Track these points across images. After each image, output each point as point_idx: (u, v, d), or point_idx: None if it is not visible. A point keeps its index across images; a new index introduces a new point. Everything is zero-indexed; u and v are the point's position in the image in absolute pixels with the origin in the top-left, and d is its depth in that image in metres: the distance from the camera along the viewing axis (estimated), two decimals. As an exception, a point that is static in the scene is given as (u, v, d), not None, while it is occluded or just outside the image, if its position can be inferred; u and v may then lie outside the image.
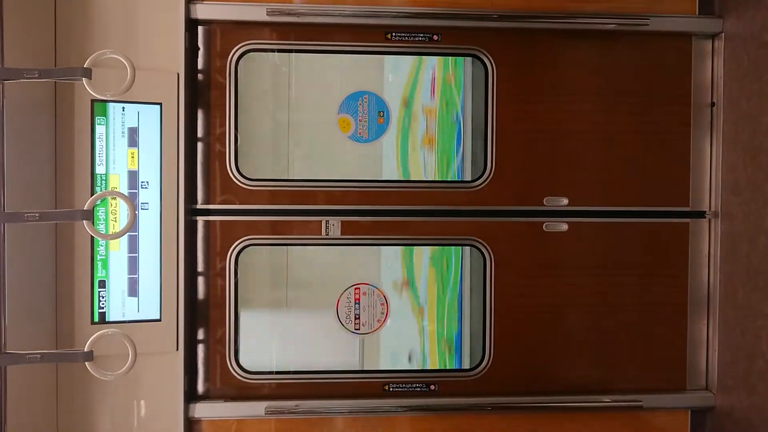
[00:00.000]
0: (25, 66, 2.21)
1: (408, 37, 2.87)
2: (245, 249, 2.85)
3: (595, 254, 2.95)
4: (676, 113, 2.95)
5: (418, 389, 2.90)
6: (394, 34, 2.86)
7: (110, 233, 2.51)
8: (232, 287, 2.83)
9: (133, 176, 2.63)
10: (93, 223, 2.21)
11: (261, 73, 2.97)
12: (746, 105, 2.70)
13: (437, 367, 3.11)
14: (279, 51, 2.90)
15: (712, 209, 2.93)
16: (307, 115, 3.07)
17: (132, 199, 2.59)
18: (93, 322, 2.60)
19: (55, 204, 2.59)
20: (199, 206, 2.83)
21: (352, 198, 2.89)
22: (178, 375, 2.70)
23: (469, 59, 3.02)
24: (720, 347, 2.88)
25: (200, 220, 2.83)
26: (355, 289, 2.97)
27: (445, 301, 3.12)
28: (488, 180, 2.90)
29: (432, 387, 2.91)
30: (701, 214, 2.95)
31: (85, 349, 2.19)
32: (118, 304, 2.63)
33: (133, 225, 2.27)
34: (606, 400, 2.87)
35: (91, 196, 2.51)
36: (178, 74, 2.66)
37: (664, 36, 2.92)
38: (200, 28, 2.80)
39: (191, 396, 2.81)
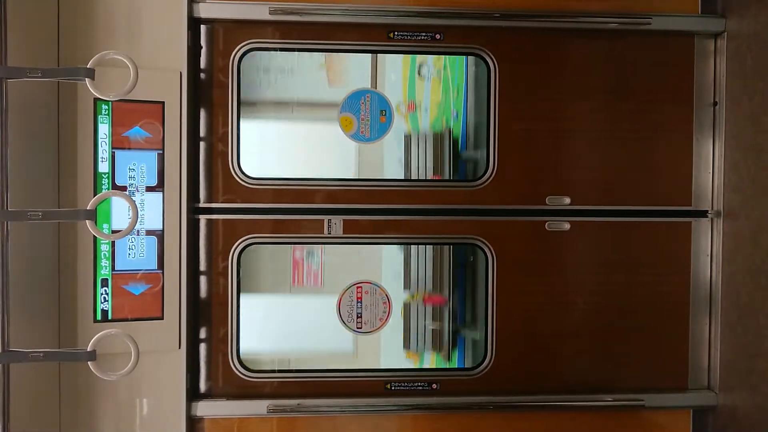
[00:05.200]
0: (29, 65, 2.21)
1: (410, 36, 2.87)
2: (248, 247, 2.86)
3: (597, 253, 2.95)
4: (679, 112, 2.95)
5: (420, 388, 2.90)
6: (396, 33, 2.86)
7: (113, 233, 2.51)
8: (234, 286, 2.84)
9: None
10: (96, 222, 2.21)
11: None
12: (749, 104, 2.70)
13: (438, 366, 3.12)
14: (281, 50, 2.90)
15: (715, 208, 2.93)
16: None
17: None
18: (95, 321, 2.61)
19: (58, 203, 2.60)
20: (201, 205, 2.83)
21: (354, 197, 2.89)
22: (180, 373, 2.70)
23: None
24: (722, 346, 2.88)
25: (203, 219, 2.84)
26: (357, 287, 2.97)
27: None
28: (490, 179, 2.90)
29: (434, 386, 2.91)
30: (704, 214, 2.95)
31: (88, 349, 2.19)
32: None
33: (135, 224, 2.27)
34: (608, 399, 2.87)
35: (94, 195, 2.52)
36: (180, 73, 2.67)
37: (667, 35, 2.92)
38: (203, 27, 2.81)
39: (193, 394, 2.82)
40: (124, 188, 2.62)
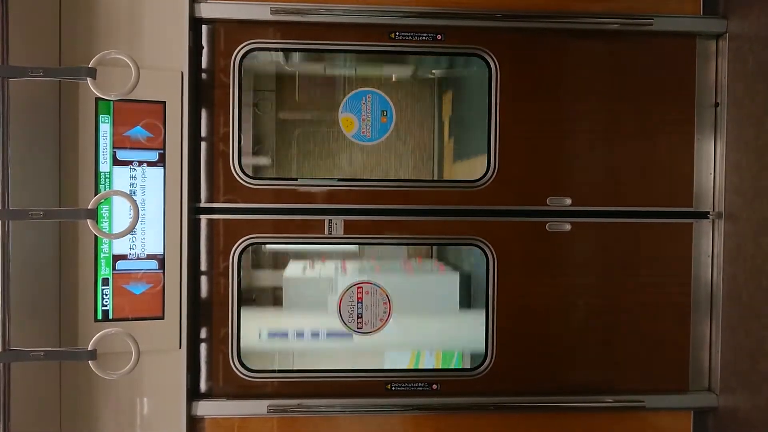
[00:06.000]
0: (30, 64, 2.22)
1: (411, 36, 2.87)
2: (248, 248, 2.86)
3: (598, 254, 2.95)
4: (680, 113, 2.95)
5: (421, 388, 2.90)
6: (398, 33, 2.86)
7: (114, 232, 2.52)
8: (235, 286, 2.84)
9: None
10: (97, 221, 2.21)
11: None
12: (750, 105, 2.70)
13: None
14: (283, 50, 2.90)
15: (716, 210, 2.92)
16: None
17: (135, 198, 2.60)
18: (96, 320, 2.61)
19: (59, 202, 2.60)
20: (202, 205, 2.83)
21: (355, 197, 2.89)
22: (181, 373, 2.70)
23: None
24: (723, 348, 2.87)
25: (203, 219, 2.84)
26: (358, 288, 2.97)
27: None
28: (491, 179, 2.90)
29: (434, 386, 2.91)
30: (705, 215, 2.95)
31: (89, 348, 2.20)
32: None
33: (136, 224, 2.28)
34: (608, 400, 2.87)
35: (95, 194, 2.53)
36: (182, 73, 2.67)
37: (668, 36, 2.91)
38: (204, 27, 2.81)
39: (194, 394, 2.82)
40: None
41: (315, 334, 3.24)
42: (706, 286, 2.96)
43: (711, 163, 2.94)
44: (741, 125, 2.77)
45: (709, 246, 2.95)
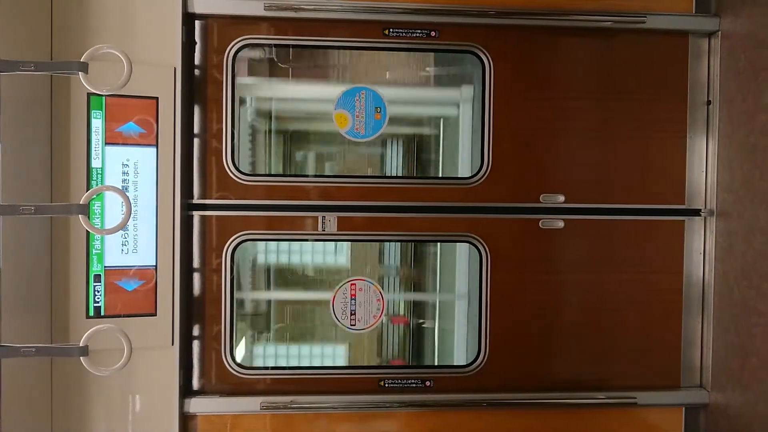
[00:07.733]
0: (21, 58, 2.20)
1: (406, 33, 2.87)
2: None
3: (590, 251, 2.96)
4: (673, 111, 2.96)
5: (414, 385, 2.90)
6: (391, 30, 2.86)
7: (106, 228, 2.50)
8: (228, 282, 2.83)
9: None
10: (89, 217, 2.20)
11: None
12: (742, 103, 2.71)
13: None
14: (276, 46, 2.90)
15: (708, 207, 2.94)
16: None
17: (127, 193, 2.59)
18: (88, 316, 2.60)
19: (51, 198, 2.59)
20: (195, 201, 2.82)
21: (348, 194, 2.89)
22: (173, 370, 2.70)
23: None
24: (714, 345, 2.89)
25: (196, 215, 2.83)
26: (351, 284, 2.97)
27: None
28: (485, 177, 2.90)
29: (427, 383, 2.91)
30: (697, 212, 2.96)
31: (81, 344, 2.18)
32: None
33: (128, 220, 2.26)
34: (600, 396, 2.88)
35: (87, 190, 2.51)
36: (174, 68, 2.66)
37: (661, 34, 2.92)
38: (197, 23, 2.80)
39: (186, 391, 2.81)
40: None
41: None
42: (698, 283, 2.98)
43: (703, 161, 2.96)
44: (733, 123, 2.78)
45: (700, 243, 2.97)
